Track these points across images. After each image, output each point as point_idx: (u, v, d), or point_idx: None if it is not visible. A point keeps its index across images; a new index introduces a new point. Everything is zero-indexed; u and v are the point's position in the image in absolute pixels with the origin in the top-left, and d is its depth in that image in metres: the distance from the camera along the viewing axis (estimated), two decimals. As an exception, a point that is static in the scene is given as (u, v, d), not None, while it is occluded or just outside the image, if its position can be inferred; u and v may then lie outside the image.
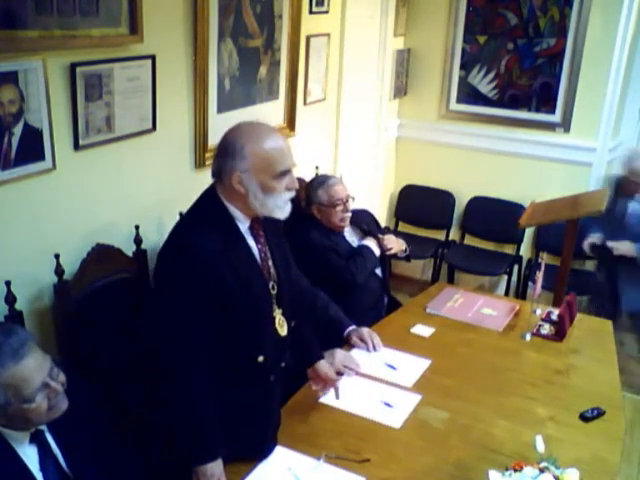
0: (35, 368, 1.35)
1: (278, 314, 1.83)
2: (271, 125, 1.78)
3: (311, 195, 2.78)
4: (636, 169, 3.28)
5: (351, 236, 2.90)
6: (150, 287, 2.28)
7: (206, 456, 1.67)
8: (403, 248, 2.97)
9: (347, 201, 2.76)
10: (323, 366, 2.02)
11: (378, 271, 2.90)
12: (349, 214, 2.79)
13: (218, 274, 1.64)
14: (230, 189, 1.69)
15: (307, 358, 2.01)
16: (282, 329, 1.83)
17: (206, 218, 1.71)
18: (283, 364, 1.89)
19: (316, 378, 2.02)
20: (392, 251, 2.90)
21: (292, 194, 1.74)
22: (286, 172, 1.70)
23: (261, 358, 1.77)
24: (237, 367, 1.76)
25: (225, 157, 1.68)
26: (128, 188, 2.29)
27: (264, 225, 1.81)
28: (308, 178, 3.23)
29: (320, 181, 2.80)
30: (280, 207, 1.72)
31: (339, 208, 2.74)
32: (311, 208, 2.79)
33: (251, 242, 1.76)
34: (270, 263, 1.81)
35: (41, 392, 1.36)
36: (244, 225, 1.75)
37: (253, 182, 1.67)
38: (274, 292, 1.81)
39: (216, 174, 1.73)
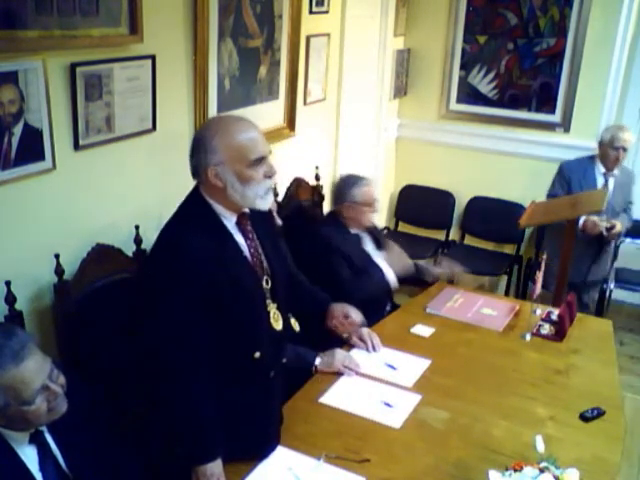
0: (35, 370, 1.35)
1: (273, 308, 1.82)
2: (241, 115, 1.76)
3: (343, 193, 2.81)
4: (621, 138, 3.51)
5: (364, 239, 2.91)
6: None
7: (206, 456, 1.67)
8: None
9: (375, 202, 2.84)
10: (337, 306, 2.07)
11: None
12: (376, 214, 2.88)
13: (208, 273, 1.64)
14: (209, 185, 1.69)
15: (317, 306, 2.02)
16: (277, 323, 1.83)
17: (192, 218, 1.71)
18: (284, 360, 1.89)
19: (335, 320, 2.07)
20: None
21: (272, 181, 1.73)
22: (261, 159, 1.69)
23: (258, 354, 1.76)
24: (235, 364, 1.75)
25: (198, 154, 1.69)
26: (128, 188, 2.29)
27: (252, 220, 1.80)
28: (308, 178, 3.23)
29: (354, 181, 2.83)
30: (261, 196, 1.71)
31: (370, 208, 2.81)
32: (340, 206, 2.82)
33: (239, 238, 1.76)
34: (262, 257, 1.81)
35: (41, 394, 1.36)
36: (230, 222, 1.75)
37: (229, 174, 1.66)
38: (268, 286, 1.80)
39: (194, 173, 1.73)
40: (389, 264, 2.83)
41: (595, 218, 3.50)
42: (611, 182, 3.66)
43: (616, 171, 3.65)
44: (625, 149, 3.55)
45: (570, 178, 3.64)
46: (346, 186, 2.82)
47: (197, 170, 1.71)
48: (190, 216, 1.73)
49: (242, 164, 1.67)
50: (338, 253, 2.73)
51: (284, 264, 1.95)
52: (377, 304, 2.82)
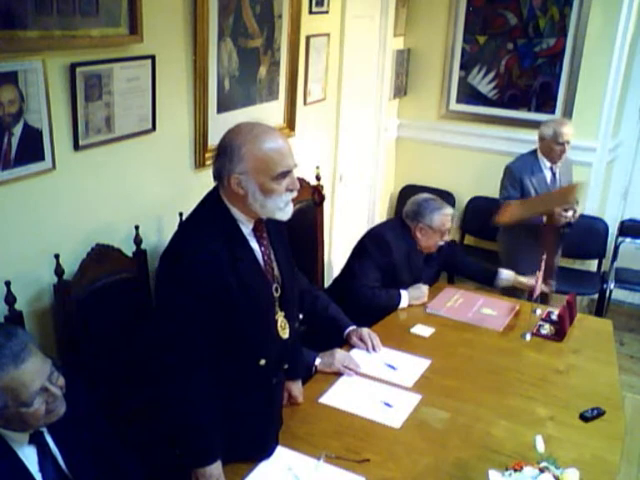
0: (35, 372, 1.35)
1: (280, 317, 1.81)
2: (271, 125, 1.76)
3: (422, 214, 2.82)
4: (564, 133, 3.56)
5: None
6: (150, 287, 2.28)
7: (205, 458, 1.67)
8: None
9: (448, 231, 2.87)
10: (295, 387, 2.05)
11: None
12: (443, 243, 2.90)
13: (220, 278, 1.63)
14: (230, 191, 1.68)
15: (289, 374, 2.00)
16: (284, 332, 1.82)
17: (209, 221, 1.70)
18: (286, 366, 1.89)
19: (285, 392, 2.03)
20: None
21: (293, 195, 1.72)
22: (286, 173, 1.68)
23: (263, 361, 1.76)
24: (239, 370, 1.75)
25: (223, 159, 1.67)
26: (128, 188, 2.29)
27: (267, 227, 1.80)
28: (308, 178, 3.23)
29: (437, 206, 2.84)
30: (281, 208, 1.70)
31: (441, 236, 2.84)
32: (415, 224, 2.83)
33: (254, 245, 1.75)
34: (274, 265, 1.80)
35: (39, 396, 1.35)
36: (247, 228, 1.73)
37: (252, 184, 1.65)
38: (277, 294, 1.80)
39: (216, 176, 1.72)
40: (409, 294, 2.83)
41: (557, 209, 3.54)
42: (557, 172, 3.73)
43: (560, 162, 3.71)
44: (569, 142, 3.60)
45: (521, 178, 3.67)
46: (428, 208, 2.83)
47: (220, 174, 1.69)
48: (207, 218, 1.72)
49: (266, 176, 1.65)
50: (389, 262, 2.74)
51: (293, 272, 1.94)
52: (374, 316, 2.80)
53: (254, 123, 1.72)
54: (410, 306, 2.79)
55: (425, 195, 2.94)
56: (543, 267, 2.67)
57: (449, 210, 2.88)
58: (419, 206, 2.85)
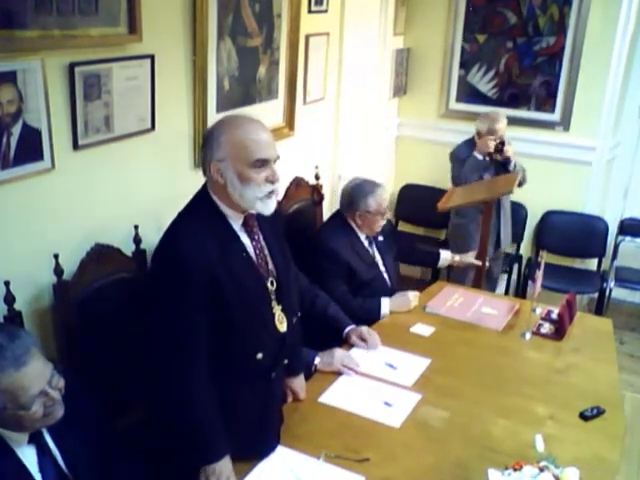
0: (35, 376, 1.35)
1: (277, 310, 1.81)
2: (255, 118, 1.75)
3: (357, 202, 2.76)
4: (498, 129, 3.68)
5: (372, 243, 2.90)
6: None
7: (213, 454, 1.66)
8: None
9: (387, 207, 2.83)
10: (296, 383, 2.04)
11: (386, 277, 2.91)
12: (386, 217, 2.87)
13: (211, 275, 1.64)
14: (213, 182, 1.69)
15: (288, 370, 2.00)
16: (282, 325, 1.82)
17: (198, 217, 1.71)
18: (286, 361, 1.89)
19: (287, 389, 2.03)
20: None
21: (274, 187, 1.71)
22: (264, 162, 1.67)
23: (260, 355, 1.76)
24: (237, 365, 1.75)
25: (205, 148, 1.70)
26: (127, 188, 2.29)
27: (259, 220, 1.79)
28: (308, 177, 3.23)
29: (369, 189, 2.78)
30: (260, 199, 1.69)
31: (383, 215, 2.80)
32: (352, 213, 2.79)
33: (245, 240, 1.75)
34: (268, 259, 1.80)
35: (38, 400, 1.35)
36: (237, 223, 1.74)
37: (230, 171, 1.66)
38: (273, 288, 1.80)
39: (203, 168, 1.73)
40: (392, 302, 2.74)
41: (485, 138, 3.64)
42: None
43: None
44: (502, 137, 3.69)
45: (465, 161, 3.75)
46: (360, 195, 2.76)
47: (204, 164, 1.71)
48: (196, 215, 1.72)
49: (243, 163, 1.66)
50: (344, 265, 2.70)
51: (290, 265, 1.94)
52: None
53: (238, 115, 1.75)
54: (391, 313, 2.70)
55: (353, 182, 2.87)
56: (543, 266, 2.67)
57: (381, 189, 2.81)
58: (351, 195, 2.80)
